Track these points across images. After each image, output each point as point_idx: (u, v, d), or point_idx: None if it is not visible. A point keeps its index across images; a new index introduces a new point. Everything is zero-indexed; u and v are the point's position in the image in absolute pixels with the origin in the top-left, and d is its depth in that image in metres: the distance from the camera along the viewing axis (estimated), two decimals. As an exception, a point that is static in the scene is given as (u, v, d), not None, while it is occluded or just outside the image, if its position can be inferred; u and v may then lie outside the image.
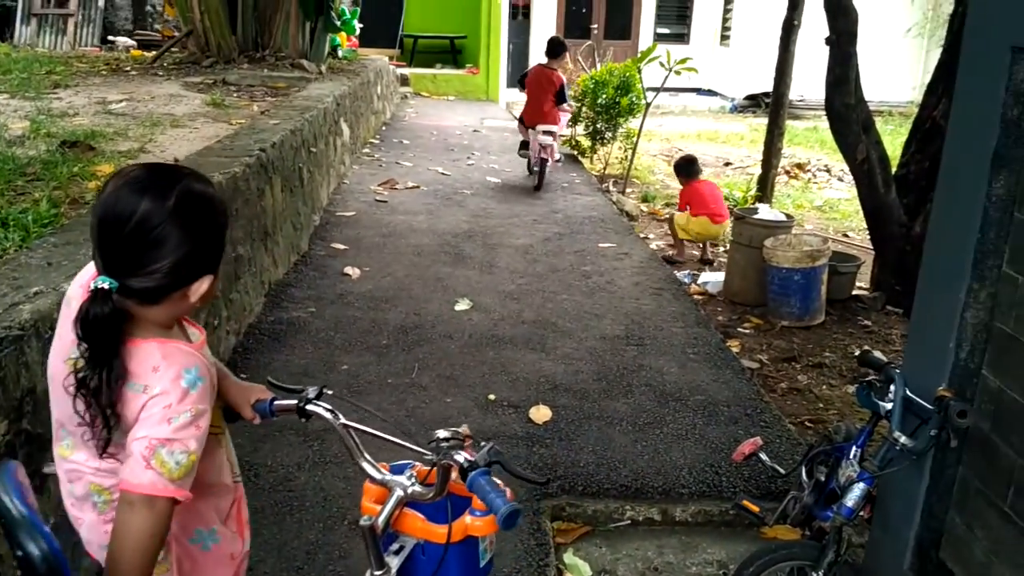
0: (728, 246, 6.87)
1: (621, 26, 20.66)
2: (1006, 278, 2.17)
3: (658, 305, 5.46)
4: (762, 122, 11.69)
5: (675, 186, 8.67)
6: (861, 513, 2.33)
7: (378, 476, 1.67)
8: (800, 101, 16.00)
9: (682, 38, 20.42)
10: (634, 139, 10.12)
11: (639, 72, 9.80)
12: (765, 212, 6.39)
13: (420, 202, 7.77)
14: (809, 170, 11.92)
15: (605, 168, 10.51)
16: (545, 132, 8.53)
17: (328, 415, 1.68)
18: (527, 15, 20.20)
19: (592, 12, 20.57)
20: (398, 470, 1.68)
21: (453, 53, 17.47)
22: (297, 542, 2.89)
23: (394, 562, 1.64)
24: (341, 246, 6.23)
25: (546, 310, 5.23)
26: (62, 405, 1.45)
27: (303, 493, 3.16)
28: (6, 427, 1.97)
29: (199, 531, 1.63)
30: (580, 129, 10.76)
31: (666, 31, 20.53)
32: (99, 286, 1.34)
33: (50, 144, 4.53)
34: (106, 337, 1.35)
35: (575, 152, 10.90)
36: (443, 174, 9.11)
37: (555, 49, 8.97)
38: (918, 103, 6.37)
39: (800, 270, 5.44)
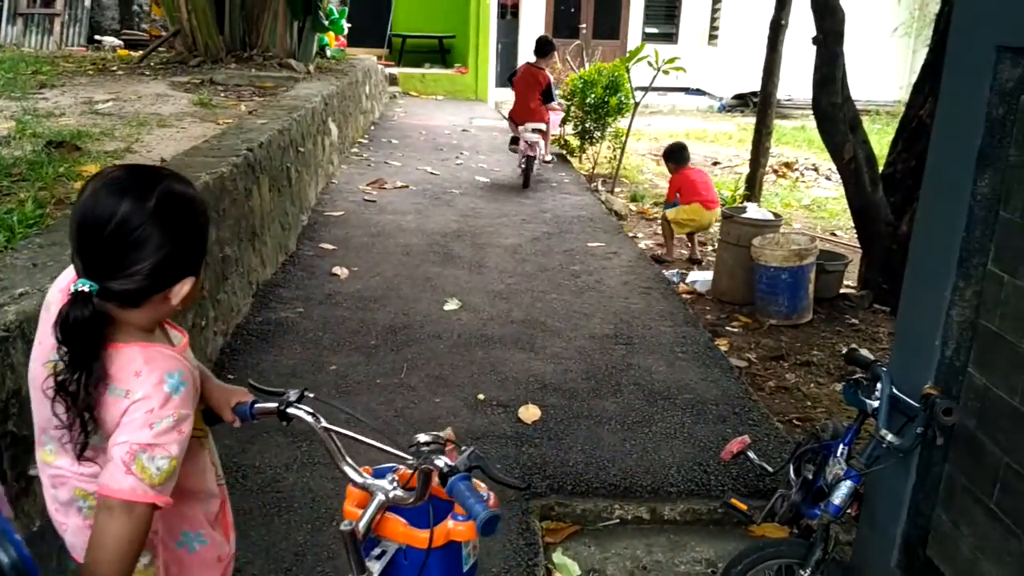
0: (716, 245, 6.88)
1: (609, 26, 20.70)
2: (991, 276, 2.18)
3: (647, 304, 5.47)
4: (750, 121, 11.72)
5: (664, 186, 8.68)
6: (849, 511, 2.33)
7: (359, 480, 1.66)
8: (788, 100, 16.06)
9: (670, 38, 20.48)
10: (623, 138, 10.14)
11: (627, 72, 9.81)
12: (753, 211, 6.40)
13: (409, 202, 7.75)
14: (797, 169, 11.97)
15: (594, 167, 10.52)
16: (532, 130, 8.68)
17: (309, 418, 1.66)
18: (516, 14, 20.21)
19: (580, 12, 20.59)
20: (381, 474, 1.67)
21: (442, 53, 17.46)
22: (285, 543, 2.88)
23: (376, 567, 1.63)
24: (329, 246, 6.21)
25: (535, 309, 5.23)
26: (43, 410, 1.44)
27: (291, 494, 3.15)
28: (-10, 429, 1.95)
29: (185, 534, 1.61)
30: (569, 129, 10.77)
31: (654, 31, 20.58)
32: (79, 289, 1.32)
33: (36, 144, 4.50)
34: (86, 341, 1.34)
35: (564, 151, 10.91)
36: (432, 173, 9.09)
37: (543, 48, 9.05)
38: (905, 102, 6.39)
39: (788, 269, 5.46)
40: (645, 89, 9.50)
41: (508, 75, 9.65)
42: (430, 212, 7.43)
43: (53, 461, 1.50)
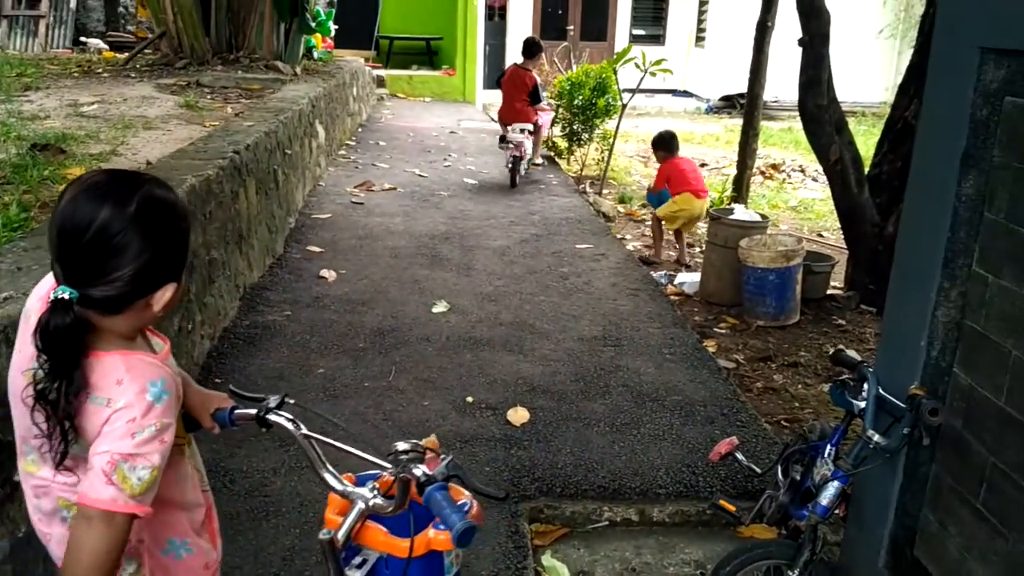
0: (704, 247, 6.89)
1: (597, 28, 20.72)
2: (976, 277, 2.19)
3: (635, 306, 5.48)
4: (737, 123, 11.76)
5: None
6: (836, 511, 2.34)
7: (339, 487, 1.64)
8: (775, 102, 16.12)
9: (658, 39, 20.51)
10: (610, 140, 10.15)
11: (615, 73, 9.82)
12: (740, 212, 6.42)
13: (397, 204, 7.74)
14: (784, 170, 12.02)
15: (582, 169, 10.53)
16: (519, 130, 8.78)
17: (289, 425, 1.64)
18: (503, 16, 20.20)
19: (568, 13, 20.61)
20: (363, 481, 1.65)
21: (429, 54, 17.44)
22: (273, 548, 2.86)
23: None
24: (317, 249, 6.19)
25: (523, 312, 5.23)
26: (23, 419, 1.42)
27: (279, 498, 3.13)
28: (-28, 436, 1.93)
29: (171, 541, 1.60)
30: (557, 130, 10.78)
31: (642, 33, 20.61)
32: (59, 296, 1.30)
33: (20, 147, 4.46)
34: (67, 349, 1.32)
35: (552, 153, 10.92)
36: (420, 176, 9.08)
37: (530, 50, 9.10)
38: (890, 104, 6.43)
39: (775, 270, 5.47)
40: (632, 91, 9.51)
41: (496, 77, 9.68)
42: (418, 214, 7.42)
43: (36, 471, 1.48)
